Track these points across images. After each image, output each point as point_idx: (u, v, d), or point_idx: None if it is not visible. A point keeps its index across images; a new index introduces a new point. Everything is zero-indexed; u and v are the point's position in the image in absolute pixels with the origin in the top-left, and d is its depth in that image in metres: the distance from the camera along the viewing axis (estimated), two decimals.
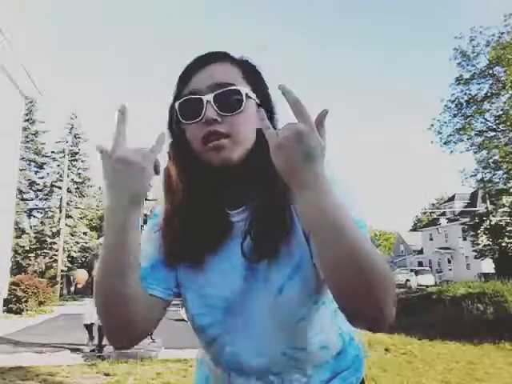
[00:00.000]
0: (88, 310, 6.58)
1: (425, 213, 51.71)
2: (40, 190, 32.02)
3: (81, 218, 32.50)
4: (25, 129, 26.22)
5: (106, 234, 0.69)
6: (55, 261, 27.37)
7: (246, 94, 0.75)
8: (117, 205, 0.67)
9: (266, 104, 0.79)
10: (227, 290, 0.77)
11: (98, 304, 0.71)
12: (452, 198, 40.85)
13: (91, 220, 38.82)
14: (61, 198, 28.73)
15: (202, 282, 0.78)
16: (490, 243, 24.95)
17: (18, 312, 12.67)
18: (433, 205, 55.00)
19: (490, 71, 15.19)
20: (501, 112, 15.35)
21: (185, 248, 0.77)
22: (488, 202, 23.62)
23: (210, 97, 0.73)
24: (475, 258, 27.87)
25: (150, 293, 0.76)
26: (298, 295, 0.74)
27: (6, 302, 11.69)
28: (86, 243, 32.07)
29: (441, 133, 16.30)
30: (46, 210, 31.10)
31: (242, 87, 0.75)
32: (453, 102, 15.97)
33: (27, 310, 12.88)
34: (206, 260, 0.77)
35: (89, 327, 6.63)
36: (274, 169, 0.65)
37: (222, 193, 0.79)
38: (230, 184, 0.78)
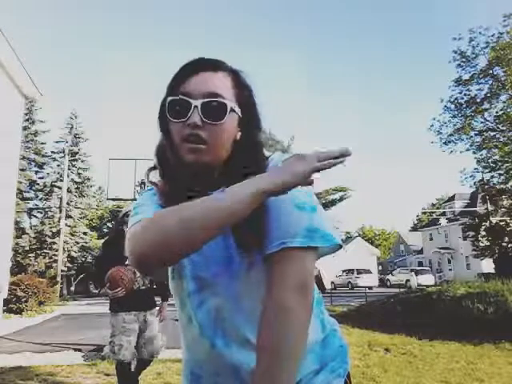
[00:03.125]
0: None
1: (425, 213, 51.70)
2: (40, 190, 32.02)
3: (81, 217, 32.50)
4: (25, 128, 26.24)
5: (239, 200, 0.69)
6: (55, 261, 27.38)
7: (231, 108, 0.81)
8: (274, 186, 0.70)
9: (249, 118, 0.85)
10: (213, 267, 0.82)
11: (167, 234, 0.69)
12: (452, 198, 40.84)
13: (91, 220, 38.85)
14: (61, 198, 28.73)
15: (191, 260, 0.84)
16: (490, 243, 24.95)
17: (18, 312, 12.66)
18: (433, 205, 55.01)
19: (490, 71, 15.20)
20: (500, 112, 15.36)
21: None
22: (488, 202, 23.61)
23: (198, 103, 0.79)
24: (475, 256, 27.87)
25: None
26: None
27: (6, 301, 11.69)
28: (86, 243, 32.06)
29: (441, 133, 16.33)
30: (46, 209, 31.10)
31: (228, 101, 0.81)
32: (452, 102, 15.99)
33: (27, 310, 12.87)
34: None
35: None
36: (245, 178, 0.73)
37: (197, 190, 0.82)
38: (203, 186, 0.83)
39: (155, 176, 0.92)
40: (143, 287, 3.76)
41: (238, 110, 0.83)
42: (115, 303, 3.56)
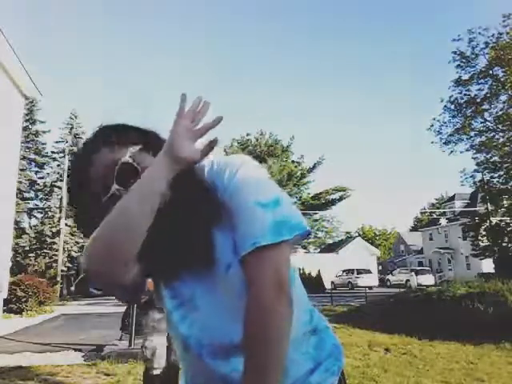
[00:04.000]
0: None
1: (425, 213, 51.72)
2: (40, 190, 32.05)
3: None
4: (25, 129, 26.24)
5: (138, 200, 0.71)
6: (55, 261, 27.38)
7: (132, 157, 0.81)
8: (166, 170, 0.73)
9: (147, 143, 0.85)
10: (188, 282, 0.84)
11: (104, 239, 0.72)
12: (452, 198, 40.86)
13: None
14: (61, 198, 28.73)
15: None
16: (490, 243, 24.95)
17: (18, 312, 12.66)
18: (433, 205, 55.04)
19: (490, 72, 15.20)
20: (500, 112, 15.37)
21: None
22: (488, 202, 23.62)
23: (116, 186, 0.79)
24: (475, 256, 27.88)
25: None
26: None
27: (6, 301, 11.68)
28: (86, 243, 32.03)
29: (441, 133, 16.34)
30: (46, 209, 31.11)
31: (126, 155, 0.80)
32: (452, 102, 15.99)
33: (27, 310, 12.87)
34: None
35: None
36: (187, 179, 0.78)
37: None
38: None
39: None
40: None
41: (136, 148, 0.83)
42: (145, 301, 3.25)
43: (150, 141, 0.86)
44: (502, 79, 14.98)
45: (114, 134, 0.85)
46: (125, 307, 6.85)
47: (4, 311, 11.56)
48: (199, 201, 0.80)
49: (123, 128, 0.88)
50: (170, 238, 0.80)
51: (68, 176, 0.88)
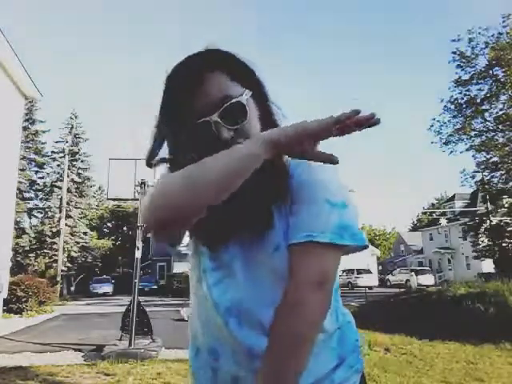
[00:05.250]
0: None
1: (425, 213, 51.71)
2: (40, 190, 32.05)
3: (81, 218, 32.50)
4: (25, 128, 26.25)
5: (239, 160, 0.68)
6: (55, 261, 27.38)
7: (246, 100, 0.78)
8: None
9: (260, 95, 0.82)
10: (231, 248, 0.82)
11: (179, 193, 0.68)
12: (452, 198, 40.84)
13: (91, 220, 38.84)
14: (61, 198, 28.73)
15: None
16: (491, 243, 24.95)
17: (18, 312, 12.67)
18: (433, 205, 55.00)
19: (490, 72, 15.20)
20: (500, 112, 15.37)
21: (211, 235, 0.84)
22: (488, 202, 23.62)
23: (215, 117, 0.75)
24: (475, 258, 27.88)
25: None
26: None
27: (6, 301, 11.68)
28: (86, 243, 32.08)
29: (440, 133, 16.33)
30: (46, 209, 31.13)
31: (241, 95, 0.77)
32: (452, 102, 15.99)
33: (27, 310, 12.88)
34: None
35: None
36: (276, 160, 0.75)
37: None
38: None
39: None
40: None
41: (249, 93, 0.79)
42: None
43: (260, 92, 0.83)
44: (502, 79, 14.98)
45: (237, 67, 0.81)
46: (125, 307, 6.86)
47: (4, 311, 11.56)
48: (274, 176, 0.79)
49: (245, 66, 0.82)
50: (236, 197, 0.76)
51: (168, 79, 0.79)
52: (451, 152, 16.30)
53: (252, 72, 0.83)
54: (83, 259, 31.78)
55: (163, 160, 0.85)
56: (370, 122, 0.68)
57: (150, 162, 0.86)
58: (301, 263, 0.73)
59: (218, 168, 0.67)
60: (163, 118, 0.81)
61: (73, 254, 30.10)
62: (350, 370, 0.83)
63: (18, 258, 26.95)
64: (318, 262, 0.73)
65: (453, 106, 15.99)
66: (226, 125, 0.75)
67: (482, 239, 26.10)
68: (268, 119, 0.83)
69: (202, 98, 0.76)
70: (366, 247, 0.79)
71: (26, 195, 31.07)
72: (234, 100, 0.76)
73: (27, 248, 28.64)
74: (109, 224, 45.54)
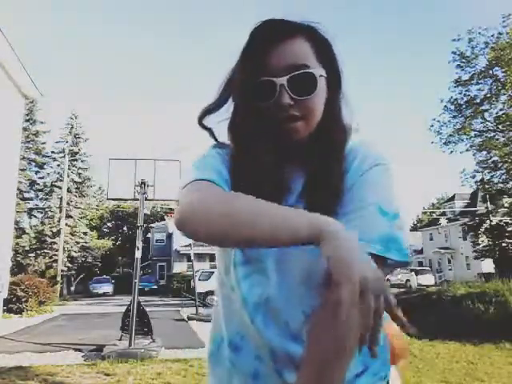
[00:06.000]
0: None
1: (425, 213, 51.70)
2: (40, 190, 32.04)
3: (81, 218, 32.49)
4: (25, 129, 26.23)
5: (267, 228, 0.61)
6: (55, 261, 27.38)
7: (320, 75, 0.75)
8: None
9: (334, 78, 0.79)
10: None
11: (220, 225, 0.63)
12: (452, 198, 40.84)
13: (91, 220, 38.83)
14: (61, 198, 28.75)
15: None
16: (491, 243, 24.95)
17: (18, 312, 12.67)
18: (433, 205, 55.02)
19: (490, 72, 15.20)
20: (500, 113, 15.36)
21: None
22: (488, 201, 23.63)
23: (283, 80, 0.72)
24: (475, 258, 27.89)
25: None
26: None
27: (6, 301, 11.68)
28: (86, 243, 32.07)
29: (441, 133, 16.32)
30: (46, 209, 31.11)
31: (315, 69, 0.75)
32: (452, 103, 15.98)
33: (27, 310, 12.88)
34: None
35: None
36: (336, 140, 0.76)
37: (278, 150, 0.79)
38: (294, 157, 0.80)
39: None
40: None
41: (323, 71, 0.76)
42: None
43: (335, 78, 0.79)
44: (501, 79, 14.98)
45: (319, 43, 0.77)
46: (125, 307, 6.86)
47: (4, 311, 11.56)
48: (330, 174, 0.75)
49: (328, 46, 0.79)
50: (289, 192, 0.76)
51: (251, 33, 0.75)
52: (451, 152, 16.30)
53: (333, 54, 0.79)
54: (83, 259, 31.77)
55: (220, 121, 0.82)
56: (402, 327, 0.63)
57: (203, 118, 0.83)
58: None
59: (264, 227, 0.61)
60: (237, 67, 0.78)
61: (73, 253, 30.10)
62: (374, 378, 0.79)
63: (18, 258, 26.94)
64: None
65: (453, 107, 15.99)
66: (290, 91, 0.73)
67: (481, 239, 26.10)
68: (333, 109, 0.79)
69: (277, 59, 0.74)
70: (407, 264, 0.74)
71: (26, 195, 31.07)
72: (307, 70, 0.73)
73: (27, 248, 28.63)
74: (109, 224, 45.53)
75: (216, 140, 0.86)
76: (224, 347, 0.82)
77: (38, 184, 32.04)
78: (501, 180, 17.31)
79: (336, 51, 0.79)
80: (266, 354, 0.75)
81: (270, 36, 0.74)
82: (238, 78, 0.77)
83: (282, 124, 0.74)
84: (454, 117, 16.04)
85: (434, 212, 45.56)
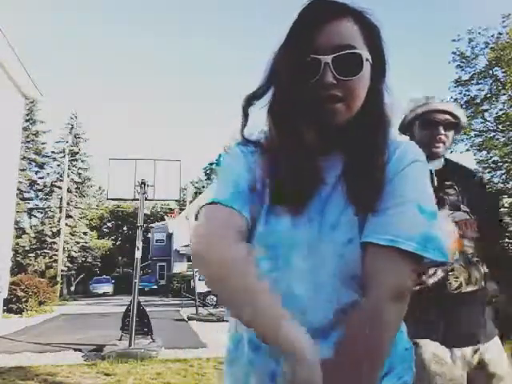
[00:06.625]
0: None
1: None
2: (40, 190, 32.07)
3: (81, 218, 32.52)
4: (25, 129, 26.25)
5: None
6: (55, 261, 27.40)
7: (366, 58, 0.74)
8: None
9: (379, 65, 0.78)
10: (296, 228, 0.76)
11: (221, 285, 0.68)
12: None
13: (91, 220, 38.85)
14: (61, 198, 28.78)
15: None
16: None
17: (18, 312, 12.68)
18: None
19: (490, 72, 15.21)
20: (500, 113, 15.38)
21: (285, 190, 0.75)
22: None
23: (329, 59, 0.71)
24: None
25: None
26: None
27: (6, 301, 11.69)
28: (86, 243, 32.09)
29: None
30: (46, 209, 31.13)
31: (362, 51, 0.74)
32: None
33: (27, 310, 12.89)
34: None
35: None
36: (378, 129, 0.74)
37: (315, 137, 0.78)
38: (333, 141, 0.78)
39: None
40: None
41: (370, 57, 0.75)
42: None
43: (379, 64, 0.77)
44: (501, 79, 15.00)
45: (368, 27, 0.76)
46: (125, 307, 6.86)
47: (4, 311, 11.56)
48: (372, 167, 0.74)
49: (376, 29, 0.77)
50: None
51: (300, 12, 0.75)
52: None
53: (381, 40, 0.78)
54: (83, 259, 31.79)
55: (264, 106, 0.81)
56: None
57: (249, 105, 0.82)
58: (381, 270, 0.67)
59: (258, 319, 0.63)
60: (283, 47, 0.77)
61: (73, 253, 30.12)
62: (398, 381, 0.76)
63: (18, 258, 26.96)
64: (400, 273, 0.67)
65: None
66: (334, 71, 0.71)
67: None
68: (376, 97, 0.77)
69: (324, 38, 0.73)
70: (445, 264, 0.75)
71: (26, 195, 31.10)
72: (354, 50, 0.73)
73: (27, 248, 28.64)
74: (109, 224, 45.53)
75: (244, 137, 0.84)
76: (243, 346, 0.80)
77: (38, 184, 32.07)
78: (501, 180, 17.31)
79: (384, 38, 0.78)
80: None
81: (317, 16, 0.73)
82: (283, 57, 0.76)
83: (323, 103, 0.72)
84: None
85: None
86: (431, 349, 1.39)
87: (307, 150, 0.76)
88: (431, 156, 1.50)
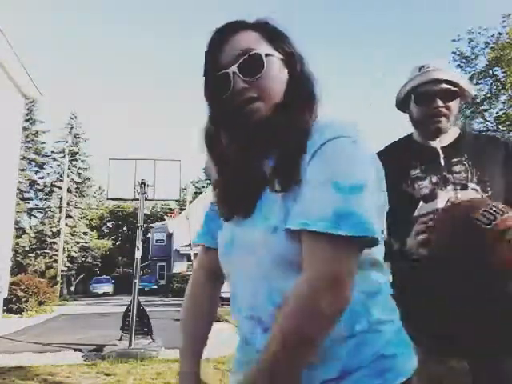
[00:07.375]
0: None
1: None
2: (40, 190, 32.09)
3: (81, 217, 32.53)
4: (25, 129, 26.27)
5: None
6: (55, 261, 27.41)
7: (266, 54, 0.78)
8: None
9: (289, 57, 0.81)
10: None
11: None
12: None
13: (91, 220, 38.86)
14: (61, 198, 28.79)
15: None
16: None
17: (18, 312, 12.67)
18: None
19: (490, 72, 15.22)
20: (500, 113, 15.39)
21: (232, 201, 0.82)
22: None
23: (234, 68, 0.77)
24: None
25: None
26: (290, 235, 0.70)
27: (6, 301, 11.68)
28: (86, 243, 32.10)
29: None
30: (46, 209, 31.15)
31: (260, 49, 0.78)
32: None
33: (27, 310, 12.88)
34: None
35: None
36: (297, 120, 0.76)
37: (254, 146, 0.80)
38: (259, 138, 0.79)
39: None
40: None
41: (275, 53, 0.79)
42: None
43: (292, 57, 0.81)
44: (501, 79, 15.00)
45: (268, 29, 0.82)
46: (125, 307, 6.86)
47: (4, 311, 11.56)
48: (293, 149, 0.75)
49: (278, 31, 0.82)
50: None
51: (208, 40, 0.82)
52: None
53: (285, 37, 0.83)
54: (83, 259, 31.79)
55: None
56: None
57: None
58: (307, 253, 0.66)
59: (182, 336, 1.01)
60: (204, 72, 0.83)
61: (73, 253, 30.13)
62: None
63: (18, 258, 26.97)
64: (324, 256, 0.64)
65: None
66: (242, 76, 0.76)
67: None
68: (293, 89, 0.80)
69: (227, 52, 0.79)
70: (375, 241, 0.66)
71: (26, 195, 31.12)
72: (253, 52, 0.77)
73: (27, 248, 28.65)
74: (109, 224, 45.54)
75: None
76: (247, 343, 0.84)
77: (38, 184, 32.09)
78: None
79: (288, 36, 0.83)
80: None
81: (220, 37, 0.80)
82: (204, 82, 0.83)
83: (241, 108, 0.77)
84: None
85: None
86: None
87: (243, 158, 0.80)
88: (435, 132, 1.38)
